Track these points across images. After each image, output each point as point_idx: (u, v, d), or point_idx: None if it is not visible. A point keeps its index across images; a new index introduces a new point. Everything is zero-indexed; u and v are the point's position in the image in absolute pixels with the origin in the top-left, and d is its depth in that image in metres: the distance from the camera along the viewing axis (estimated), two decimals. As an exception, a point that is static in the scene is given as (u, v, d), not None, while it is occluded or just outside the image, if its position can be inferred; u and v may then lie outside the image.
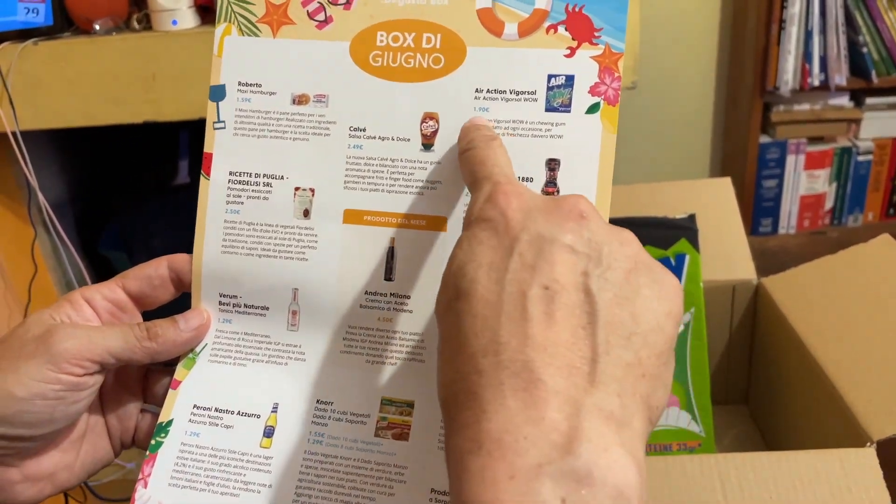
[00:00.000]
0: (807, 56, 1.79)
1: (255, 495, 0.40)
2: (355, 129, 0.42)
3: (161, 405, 0.43)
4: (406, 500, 0.39)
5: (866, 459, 0.54)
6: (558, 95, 0.40)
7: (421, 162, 0.42)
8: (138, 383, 0.43)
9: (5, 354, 0.37)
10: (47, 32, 1.13)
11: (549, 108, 0.40)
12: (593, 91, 0.40)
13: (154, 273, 0.42)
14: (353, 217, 0.42)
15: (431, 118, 0.42)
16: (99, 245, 1.53)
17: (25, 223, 1.32)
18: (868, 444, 0.57)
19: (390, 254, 0.42)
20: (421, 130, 0.42)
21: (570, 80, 0.40)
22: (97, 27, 1.12)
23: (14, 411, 0.36)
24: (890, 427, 0.57)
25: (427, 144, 0.42)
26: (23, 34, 1.13)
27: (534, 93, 0.41)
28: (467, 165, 0.37)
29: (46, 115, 1.14)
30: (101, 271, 1.45)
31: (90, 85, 1.12)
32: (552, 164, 0.40)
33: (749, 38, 1.79)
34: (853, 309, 0.69)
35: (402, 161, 0.42)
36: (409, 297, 0.41)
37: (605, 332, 0.28)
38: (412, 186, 0.42)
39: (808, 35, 1.77)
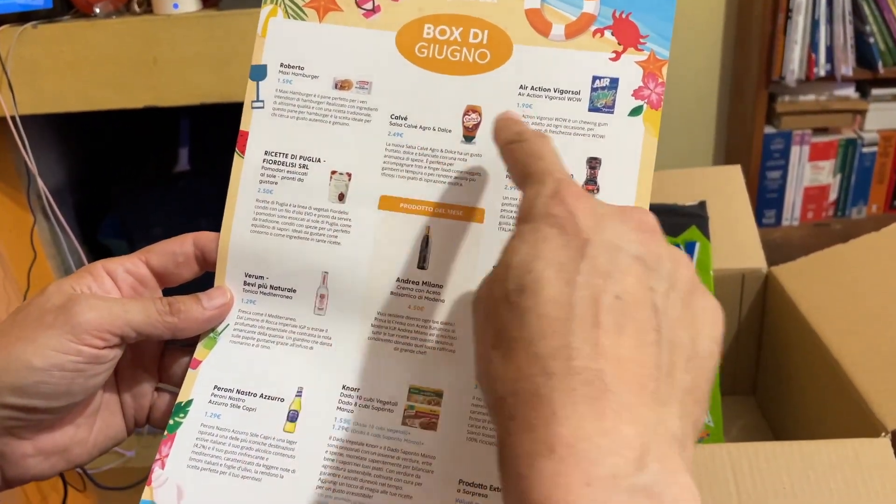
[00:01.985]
0: (813, 46, 1.77)
1: (277, 480, 0.39)
2: (397, 118, 0.43)
3: (177, 385, 0.42)
4: (433, 490, 0.38)
5: (881, 450, 0.53)
6: (602, 97, 0.41)
7: (461, 153, 0.42)
8: (154, 362, 0.43)
9: (24, 324, 0.36)
10: (47, 15, 1.12)
11: (593, 109, 0.41)
12: (637, 94, 0.41)
13: (179, 249, 0.42)
14: (389, 203, 0.42)
15: (474, 111, 0.42)
16: (99, 233, 1.52)
17: (24, 209, 1.31)
18: (882, 434, 0.56)
19: (425, 242, 0.41)
20: (463, 122, 0.42)
21: (614, 82, 0.41)
22: (97, 10, 1.11)
23: (32, 382, 0.35)
24: (905, 417, 0.56)
25: (468, 136, 0.42)
26: (22, 17, 1.12)
27: (578, 93, 0.41)
28: (519, 157, 0.35)
29: (46, 99, 1.12)
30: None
31: (90, 69, 1.11)
32: (593, 163, 0.40)
33: (755, 27, 1.78)
34: (865, 298, 0.68)
35: (441, 151, 0.42)
36: (441, 287, 0.41)
37: (669, 353, 0.28)
38: (451, 177, 0.42)
39: (814, 24, 1.76)
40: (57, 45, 1.10)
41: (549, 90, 0.42)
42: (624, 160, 0.40)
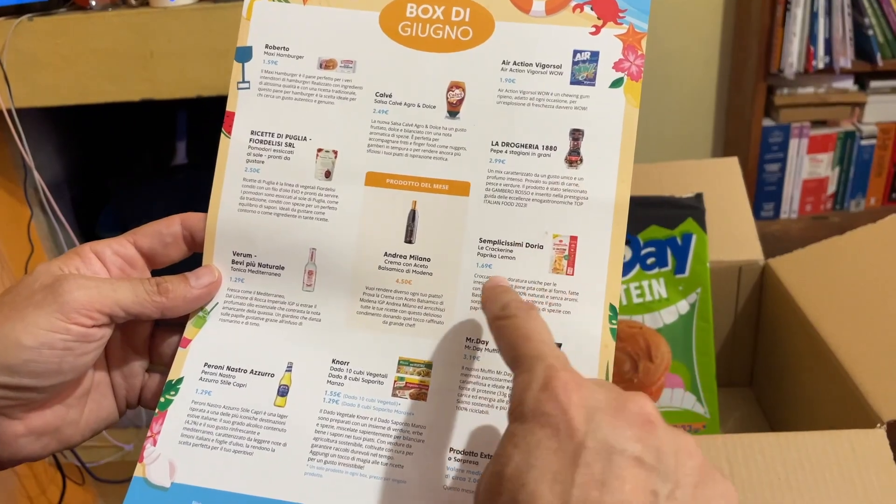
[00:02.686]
0: (812, 38, 1.77)
1: (269, 454, 0.40)
2: (381, 95, 0.43)
3: (167, 365, 0.42)
4: (425, 459, 0.39)
5: (876, 440, 0.53)
6: (583, 70, 0.42)
7: (445, 128, 0.43)
8: (144, 343, 0.43)
9: (13, 303, 0.37)
10: (43, 8, 1.12)
11: (574, 82, 0.42)
12: (617, 67, 0.42)
13: (166, 230, 0.42)
14: (375, 180, 0.43)
15: (458, 87, 0.43)
16: (96, 227, 1.51)
17: (21, 203, 1.30)
18: (878, 425, 0.56)
19: (411, 217, 0.42)
20: (447, 98, 0.43)
21: (594, 55, 0.42)
22: (93, 3, 1.10)
23: (21, 360, 0.35)
24: (900, 408, 0.56)
25: (452, 112, 0.43)
26: (18, 9, 1.11)
27: (559, 67, 0.42)
28: (508, 337, 0.34)
29: (42, 92, 1.12)
30: (99, 252, 1.44)
31: (86, 62, 1.10)
32: (576, 135, 0.42)
33: (754, 19, 1.78)
34: (862, 290, 0.68)
35: (426, 127, 0.43)
36: (429, 260, 0.42)
37: None
38: (436, 152, 0.43)
39: (813, 17, 1.76)
40: (53, 37, 1.09)
41: (531, 65, 0.43)
42: (606, 131, 0.41)
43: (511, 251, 0.41)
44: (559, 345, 0.40)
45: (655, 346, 0.72)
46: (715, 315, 0.76)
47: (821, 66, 1.79)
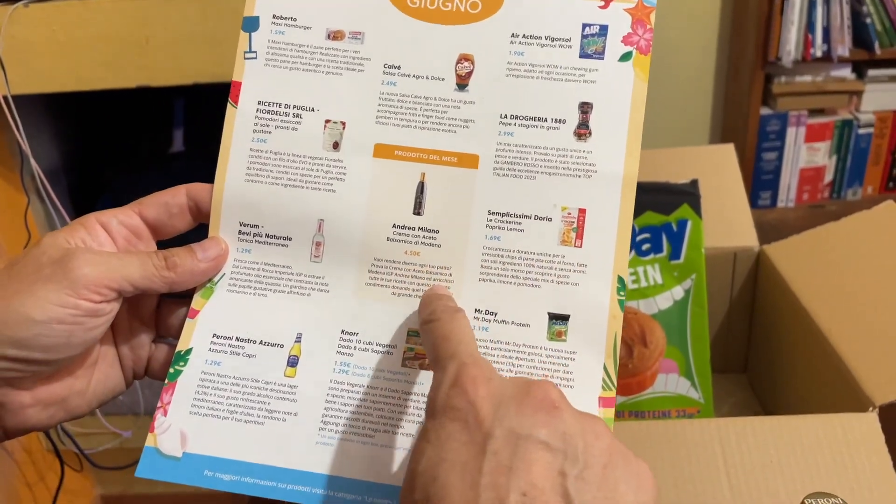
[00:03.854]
0: (810, 26, 1.76)
1: (280, 423, 0.40)
2: (390, 67, 0.44)
3: (175, 336, 0.43)
4: None
5: (868, 424, 0.53)
6: (592, 43, 0.42)
7: (454, 101, 0.43)
8: (151, 314, 0.43)
9: (21, 277, 0.37)
10: (38, -6, 1.11)
11: (583, 55, 0.42)
12: (626, 40, 0.42)
13: (172, 200, 0.42)
14: (383, 151, 0.43)
15: (467, 59, 0.43)
16: (93, 214, 1.51)
17: (18, 191, 1.30)
18: (870, 409, 0.57)
19: (420, 189, 0.43)
20: (456, 71, 0.43)
21: (603, 29, 0.42)
22: (89, -11, 1.10)
23: (31, 334, 0.35)
24: (892, 392, 0.57)
25: (461, 84, 0.43)
26: (13, -5, 1.11)
27: (568, 40, 0.43)
28: (429, 339, 0.36)
29: (37, 78, 1.12)
30: (96, 240, 1.44)
31: (82, 48, 1.10)
32: (585, 108, 0.42)
33: (752, 7, 1.77)
34: (856, 276, 0.69)
35: (435, 99, 0.43)
36: (437, 232, 0.42)
37: None
38: (444, 124, 0.43)
39: (811, 5, 1.75)
40: (49, 24, 1.09)
41: (539, 38, 0.43)
42: (615, 104, 0.42)
43: (520, 223, 0.42)
44: (566, 317, 0.40)
45: (650, 332, 0.73)
46: (710, 301, 0.76)
47: (819, 54, 1.79)
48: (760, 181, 1.96)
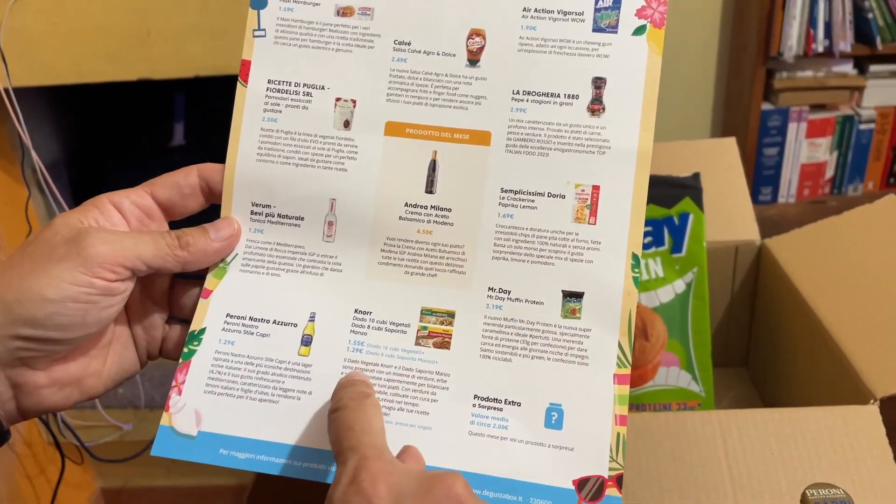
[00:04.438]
0: (812, 21, 1.76)
1: (295, 402, 0.40)
2: (400, 43, 0.43)
3: (188, 317, 0.43)
4: (449, 405, 0.40)
5: (869, 417, 0.53)
6: (605, 17, 0.42)
7: (466, 77, 0.43)
8: (164, 294, 0.43)
9: (34, 256, 0.37)
10: (39, -14, 1.11)
11: (596, 29, 0.42)
12: (640, 14, 0.42)
13: (184, 181, 0.42)
14: (394, 129, 0.43)
15: (478, 34, 0.43)
16: (94, 207, 1.51)
17: (19, 183, 1.30)
18: (871, 401, 0.57)
19: (432, 167, 0.42)
20: (467, 46, 0.43)
21: (617, 2, 0.42)
22: (90, -19, 1.09)
23: (46, 313, 0.35)
24: (894, 385, 0.57)
25: (473, 60, 0.43)
26: (14, -13, 1.11)
27: (581, 14, 0.42)
28: (333, 430, 0.35)
29: (38, 71, 1.12)
30: (97, 233, 1.44)
31: (83, 41, 1.10)
32: (598, 83, 0.42)
33: (754, 2, 1.77)
34: (858, 269, 0.69)
35: (446, 76, 0.43)
36: (449, 210, 0.42)
37: None
38: (456, 101, 0.42)
39: (813, 0, 1.75)
40: (49, 16, 1.09)
41: (552, 12, 0.42)
42: (629, 79, 0.41)
43: (533, 201, 0.41)
44: (580, 294, 0.40)
45: (651, 325, 0.73)
46: (711, 295, 0.76)
47: (820, 49, 1.78)
48: (761, 176, 1.95)
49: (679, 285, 0.74)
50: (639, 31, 0.42)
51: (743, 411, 0.54)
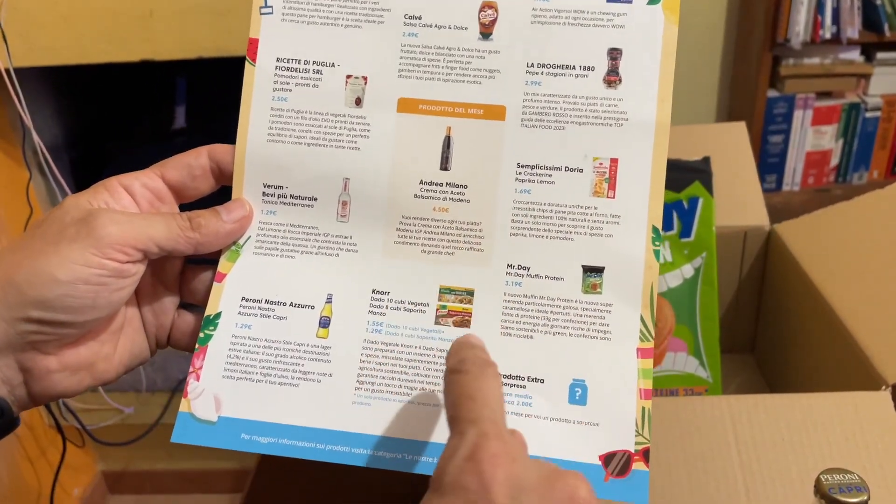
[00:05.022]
0: (819, 7, 1.75)
1: (315, 384, 0.40)
2: (410, 17, 0.42)
3: (199, 302, 0.42)
4: None
5: (881, 402, 0.53)
6: None
7: (479, 51, 0.42)
8: (175, 279, 0.43)
9: (44, 237, 0.36)
10: (40, -36, 1.10)
11: None
12: None
13: (194, 163, 0.41)
14: (407, 106, 0.42)
15: (490, 7, 0.42)
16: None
17: (20, 165, 1.29)
18: (883, 387, 0.56)
19: (446, 143, 0.42)
20: (479, 19, 0.42)
21: None
22: (91, -40, 1.08)
23: (56, 295, 0.35)
24: (905, 371, 0.56)
25: (485, 33, 0.42)
26: (15, -34, 1.09)
27: None
28: (453, 393, 0.32)
29: (40, 52, 1.11)
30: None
31: (85, 21, 1.09)
32: (614, 54, 0.41)
33: (761, -13, 1.75)
34: (868, 255, 0.68)
35: (458, 50, 0.42)
36: (465, 187, 0.41)
37: None
38: (469, 75, 0.42)
39: (821, -15, 1.73)
40: (51, -5, 1.08)
41: None
42: (645, 49, 0.40)
43: (550, 175, 0.41)
44: (601, 269, 0.40)
45: (659, 310, 0.72)
46: (719, 280, 0.75)
47: (828, 35, 1.77)
48: (766, 164, 1.94)
49: (688, 270, 0.73)
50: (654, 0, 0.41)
51: (753, 397, 0.54)
